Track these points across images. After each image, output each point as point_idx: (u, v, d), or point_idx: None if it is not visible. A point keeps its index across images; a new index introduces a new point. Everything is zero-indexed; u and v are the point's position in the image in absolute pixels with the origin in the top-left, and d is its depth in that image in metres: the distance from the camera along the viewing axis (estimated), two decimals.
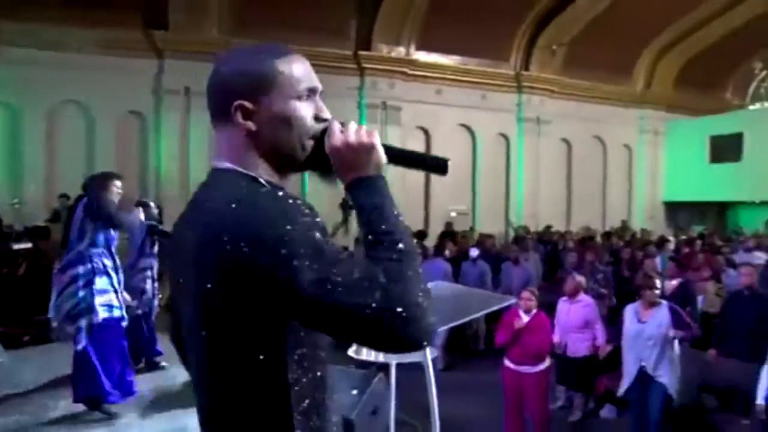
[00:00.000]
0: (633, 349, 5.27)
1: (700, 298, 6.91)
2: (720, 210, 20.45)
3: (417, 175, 16.17)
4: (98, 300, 4.56)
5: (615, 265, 9.21)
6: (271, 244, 1.06)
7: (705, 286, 7.15)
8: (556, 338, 6.42)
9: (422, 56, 15.79)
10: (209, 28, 13.25)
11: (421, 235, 14.39)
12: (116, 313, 4.68)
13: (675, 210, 19.86)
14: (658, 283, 5.41)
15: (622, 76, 18.85)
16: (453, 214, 16.64)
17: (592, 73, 18.04)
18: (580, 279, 7.19)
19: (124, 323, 4.83)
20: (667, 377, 5.12)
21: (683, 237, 14.59)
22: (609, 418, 6.68)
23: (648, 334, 5.19)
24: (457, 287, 3.95)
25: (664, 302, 5.35)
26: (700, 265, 8.38)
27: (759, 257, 10.69)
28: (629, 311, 5.44)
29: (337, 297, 1.05)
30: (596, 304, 7.10)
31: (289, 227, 1.07)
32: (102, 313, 4.56)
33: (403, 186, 15.49)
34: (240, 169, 1.22)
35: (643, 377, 5.16)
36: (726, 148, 17.94)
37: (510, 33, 16.77)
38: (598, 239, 13.98)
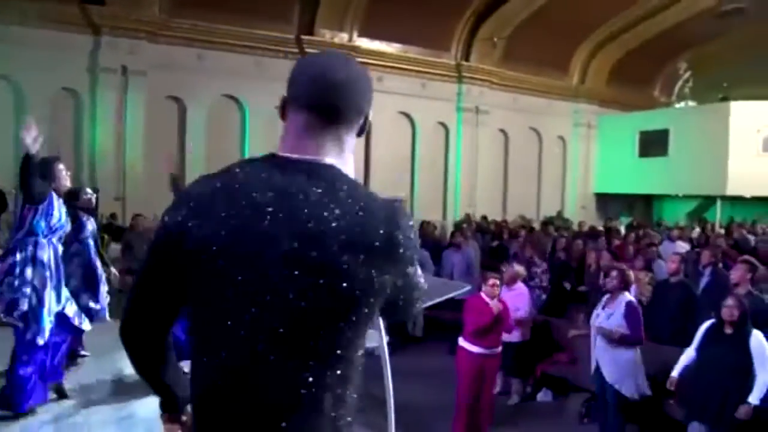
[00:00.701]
0: (594, 338, 5.45)
1: (633, 288, 7.19)
2: (647, 202, 21.31)
3: (356, 161, 16.20)
4: (26, 290, 4.34)
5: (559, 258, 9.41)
6: (415, 242, 1.32)
7: (638, 276, 7.44)
8: None
9: (364, 43, 15.77)
10: (148, 5, 12.83)
11: None
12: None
13: (605, 201, 20.58)
14: (614, 273, 5.51)
15: (559, 71, 19.35)
16: None
17: (530, 66, 18.46)
18: (519, 268, 7.40)
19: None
20: (619, 380, 5.27)
21: (621, 228, 15.17)
22: (546, 402, 6.92)
23: (599, 322, 5.37)
24: None
25: (626, 297, 5.44)
26: (632, 256, 8.73)
27: (682, 246, 11.24)
28: (603, 300, 5.63)
29: (419, 292, 1.45)
30: (530, 293, 7.33)
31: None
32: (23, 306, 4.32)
33: None
34: (340, 168, 1.33)
35: (601, 375, 5.36)
36: (654, 144, 18.70)
37: (452, 23, 16.94)
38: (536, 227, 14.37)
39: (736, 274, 5.90)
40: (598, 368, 5.39)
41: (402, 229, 1.27)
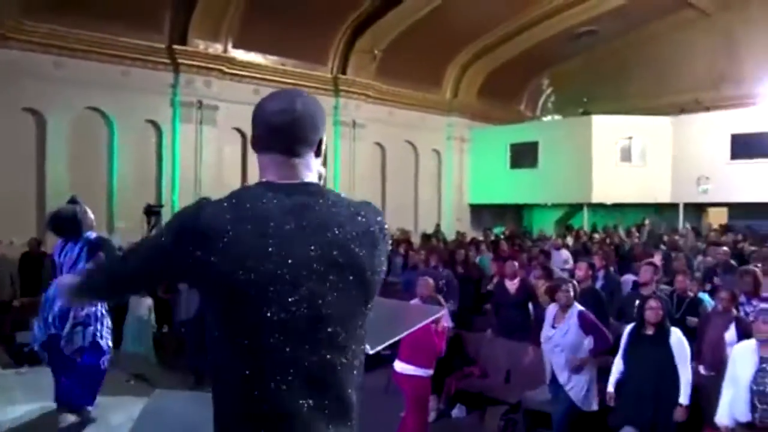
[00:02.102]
0: (546, 353, 5.32)
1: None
2: (517, 212, 22.18)
3: (232, 176, 15.49)
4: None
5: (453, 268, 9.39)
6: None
7: (538, 284, 7.54)
8: None
9: (240, 54, 15.14)
10: (4, 8, 11.46)
11: None
12: None
13: (479, 212, 21.15)
14: (566, 287, 5.39)
15: (432, 85, 19.70)
16: None
17: (405, 80, 18.63)
18: (429, 280, 7.23)
19: None
20: (575, 389, 5.17)
21: (492, 237, 15.58)
22: (460, 418, 6.77)
23: (555, 341, 5.26)
24: (392, 302, 3.60)
25: (576, 307, 5.33)
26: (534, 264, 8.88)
27: (564, 255, 11.68)
28: (549, 312, 5.50)
29: None
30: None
31: None
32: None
33: (220, 188, 14.72)
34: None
35: (556, 382, 5.23)
36: (524, 155, 19.49)
37: (328, 36, 16.72)
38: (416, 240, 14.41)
39: (645, 275, 6.08)
40: (553, 384, 5.29)
41: (383, 220, 1.64)
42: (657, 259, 8.33)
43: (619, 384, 5.03)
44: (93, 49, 12.58)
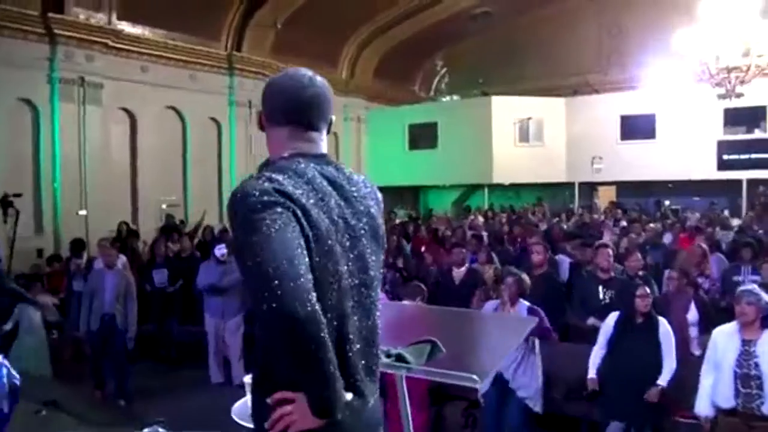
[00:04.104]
0: None
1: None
2: (415, 193, 22.11)
3: (121, 162, 14.21)
4: None
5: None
6: None
7: (484, 269, 7.27)
8: None
9: (126, 27, 13.78)
10: None
11: (134, 233, 12.67)
12: None
13: None
14: (510, 280, 4.95)
15: (329, 64, 19.06)
16: (164, 206, 15.05)
17: (301, 59, 17.81)
18: None
19: None
20: (526, 390, 4.81)
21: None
22: None
23: None
24: (461, 312, 3.03)
25: (524, 305, 4.93)
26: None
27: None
28: (487, 310, 5.09)
29: None
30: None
31: None
32: None
33: (107, 175, 13.46)
34: None
35: (500, 382, 4.81)
36: (423, 136, 19.38)
37: (222, 10, 15.63)
38: None
39: (603, 260, 5.95)
40: (496, 384, 4.86)
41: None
42: (608, 238, 8.34)
43: (600, 373, 4.84)
44: None
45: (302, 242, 1.46)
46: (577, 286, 6.31)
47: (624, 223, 11.79)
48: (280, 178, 1.52)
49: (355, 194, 1.66)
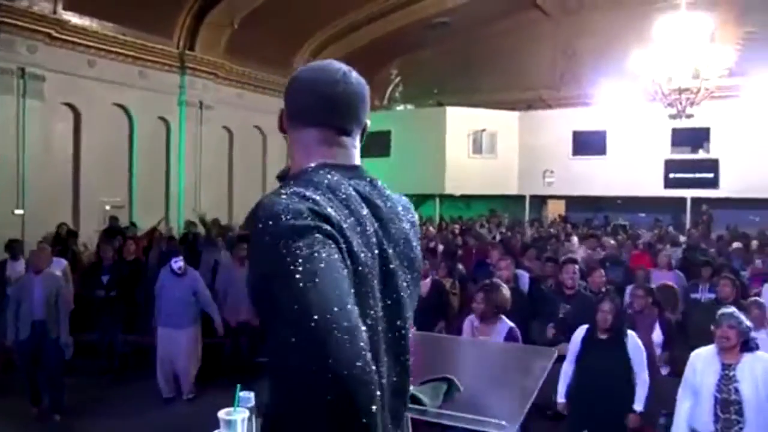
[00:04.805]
0: None
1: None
2: None
3: (63, 160, 13.55)
4: None
5: None
6: None
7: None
8: None
9: (73, 18, 13.15)
10: None
11: (74, 234, 12.09)
12: None
13: None
14: (480, 296, 4.74)
15: (283, 68, 18.70)
16: (108, 207, 14.44)
17: (255, 62, 17.54)
18: None
19: None
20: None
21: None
22: None
23: None
24: (447, 339, 2.75)
25: (506, 324, 4.65)
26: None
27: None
28: (466, 327, 4.90)
29: None
30: None
31: None
32: None
33: (47, 173, 12.81)
34: None
35: None
36: (375, 144, 19.20)
37: (175, 5, 15.13)
38: None
39: (568, 278, 5.88)
40: None
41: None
42: (581, 253, 8.29)
43: (570, 392, 4.73)
44: None
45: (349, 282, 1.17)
46: (538, 301, 6.23)
47: (575, 239, 11.87)
48: (315, 195, 1.23)
49: (392, 216, 1.38)
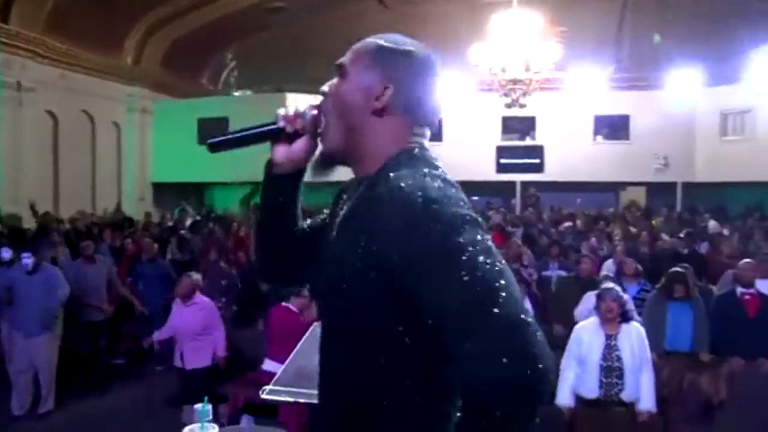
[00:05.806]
0: None
1: None
2: (199, 190, 21.07)
3: None
4: None
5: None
6: None
7: None
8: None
9: None
10: None
11: None
12: None
13: (162, 191, 19.57)
14: None
15: (113, 48, 17.44)
16: None
17: (82, 39, 16.09)
18: (197, 277, 6.33)
19: None
20: None
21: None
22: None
23: None
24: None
25: None
26: None
27: None
28: None
29: None
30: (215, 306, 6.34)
31: None
32: None
33: None
34: None
35: None
36: (213, 131, 18.38)
37: None
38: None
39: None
40: None
41: None
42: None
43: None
44: None
45: None
46: None
47: None
48: (453, 182, 1.13)
49: None
